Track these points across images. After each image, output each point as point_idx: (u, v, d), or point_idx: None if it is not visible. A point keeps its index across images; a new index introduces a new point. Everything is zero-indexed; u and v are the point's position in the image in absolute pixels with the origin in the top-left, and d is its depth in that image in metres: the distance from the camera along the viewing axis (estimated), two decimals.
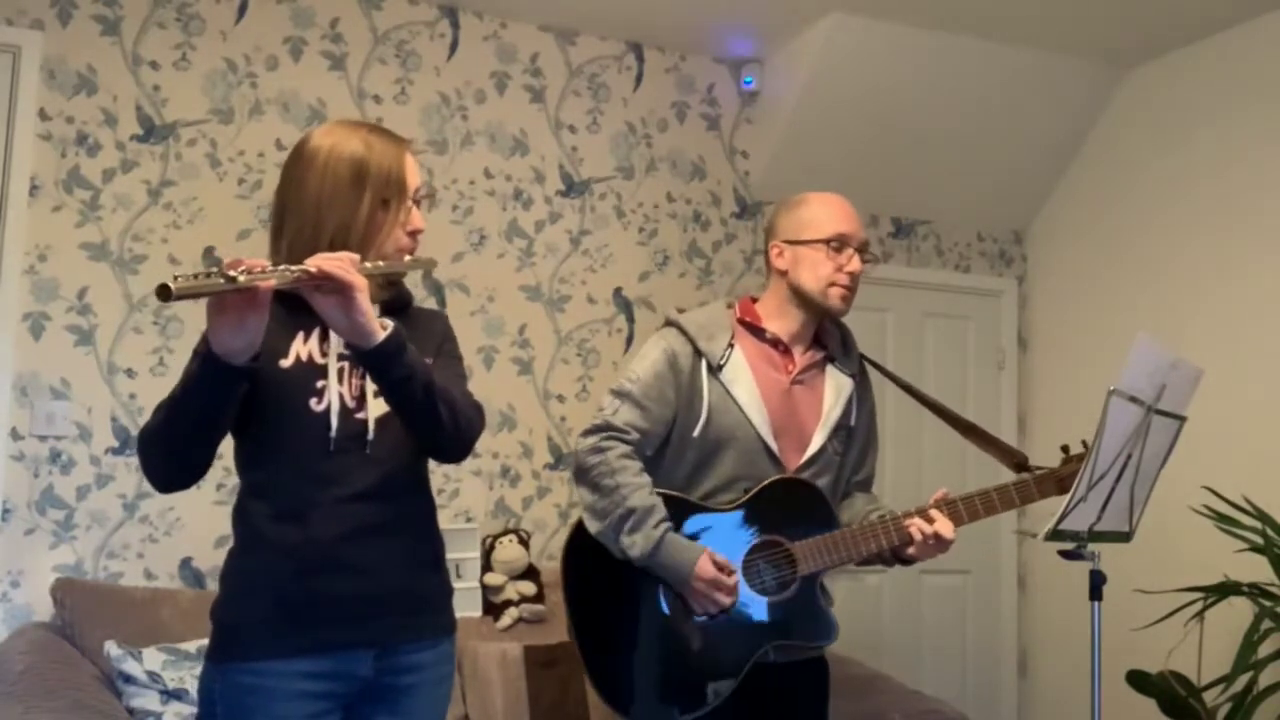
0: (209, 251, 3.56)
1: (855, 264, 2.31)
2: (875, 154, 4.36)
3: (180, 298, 1.42)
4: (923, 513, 2.22)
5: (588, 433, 2.26)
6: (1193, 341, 3.76)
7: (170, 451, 1.68)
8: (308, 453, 1.74)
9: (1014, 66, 4.21)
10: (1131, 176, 4.33)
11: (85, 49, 3.47)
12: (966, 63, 4.15)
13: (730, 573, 2.16)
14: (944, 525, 2.20)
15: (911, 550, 2.22)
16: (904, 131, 4.32)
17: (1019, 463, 2.37)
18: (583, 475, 2.24)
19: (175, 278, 1.42)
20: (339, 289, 1.59)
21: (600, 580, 2.24)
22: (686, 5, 3.94)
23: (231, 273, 1.48)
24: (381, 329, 1.63)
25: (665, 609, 2.20)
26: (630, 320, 4.14)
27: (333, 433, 1.74)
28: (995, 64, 4.18)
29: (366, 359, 1.66)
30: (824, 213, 2.33)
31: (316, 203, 1.76)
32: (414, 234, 1.84)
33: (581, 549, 2.26)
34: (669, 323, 2.36)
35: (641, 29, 4.15)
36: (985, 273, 4.78)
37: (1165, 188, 4.18)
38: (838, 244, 2.29)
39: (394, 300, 1.87)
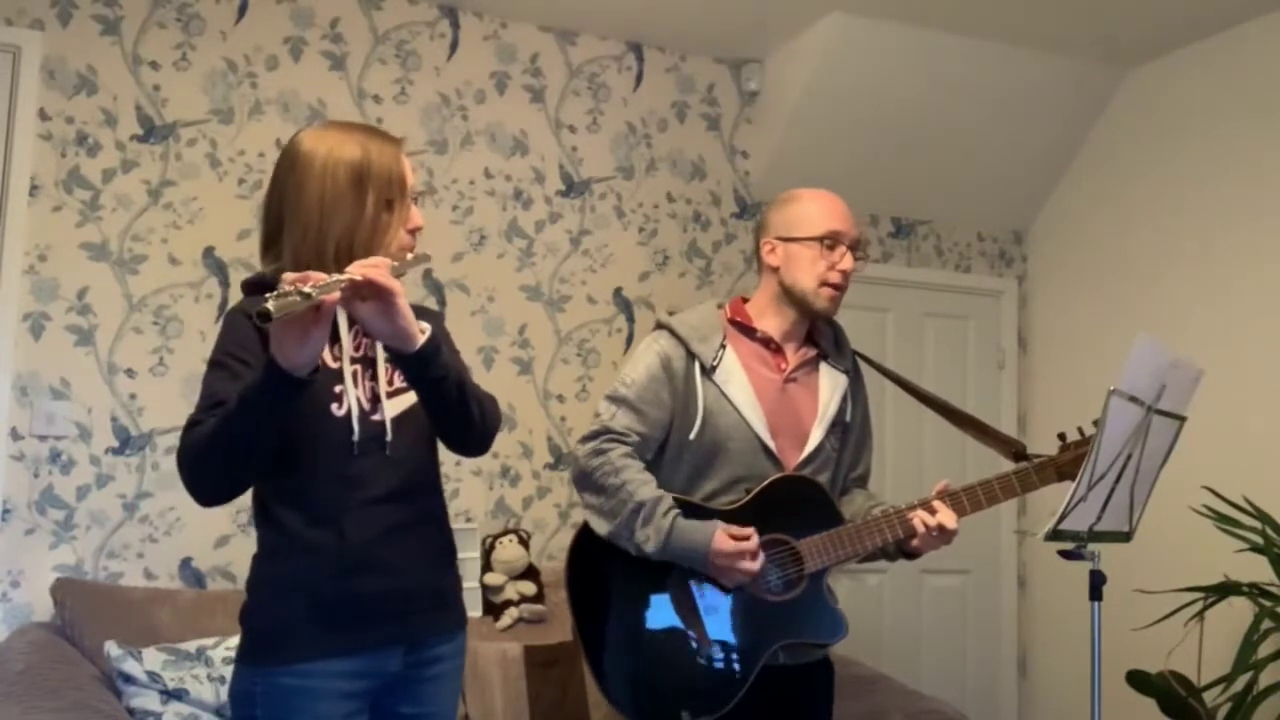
0: (209, 251, 3.56)
1: (848, 262, 2.30)
2: (875, 154, 4.36)
3: (279, 318, 1.47)
4: (925, 505, 2.22)
5: (586, 439, 2.25)
6: (1193, 341, 3.76)
7: (229, 466, 1.67)
8: (332, 457, 1.76)
9: (1014, 66, 4.21)
10: (1131, 176, 4.33)
11: (85, 49, 3.47)
12: (966, 63, 4.15)
13: (748, 538, 2.14)
14: (947, 516, 2.19)
15: (915, 542, 2.22)
16: (904, 131, 4.32)
17: (1017, 452, 2.38)
18: (585, 479, 2.23)
19: (266, 299, 1.47)
20: (380, 295, 1.61)
21: (606, 585, 2.23)
22: (686, 5, 3.94)
23: (305, 289, 1.50)
24: (420, 332, 1.67)
25: (675, 613, 2.19)
26: (630, 320, 4.14)
27: (355, 436, 1.76)
28: (995, 64, 4.18)
29: (407, 361, 1.69)
30: (817, 210, 2.31)
31: (319, 208, 1.75)
32: (414, 231, 1.86)
33: (586, 554, 2.25)
34: (660, 325, 2.36)
35: (641, 29, 4.15)
36: (985, 273, 4.78)
37: (1165, 188, 4.18)
38: (831, 241, 2.28)
39: None
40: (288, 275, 1.54)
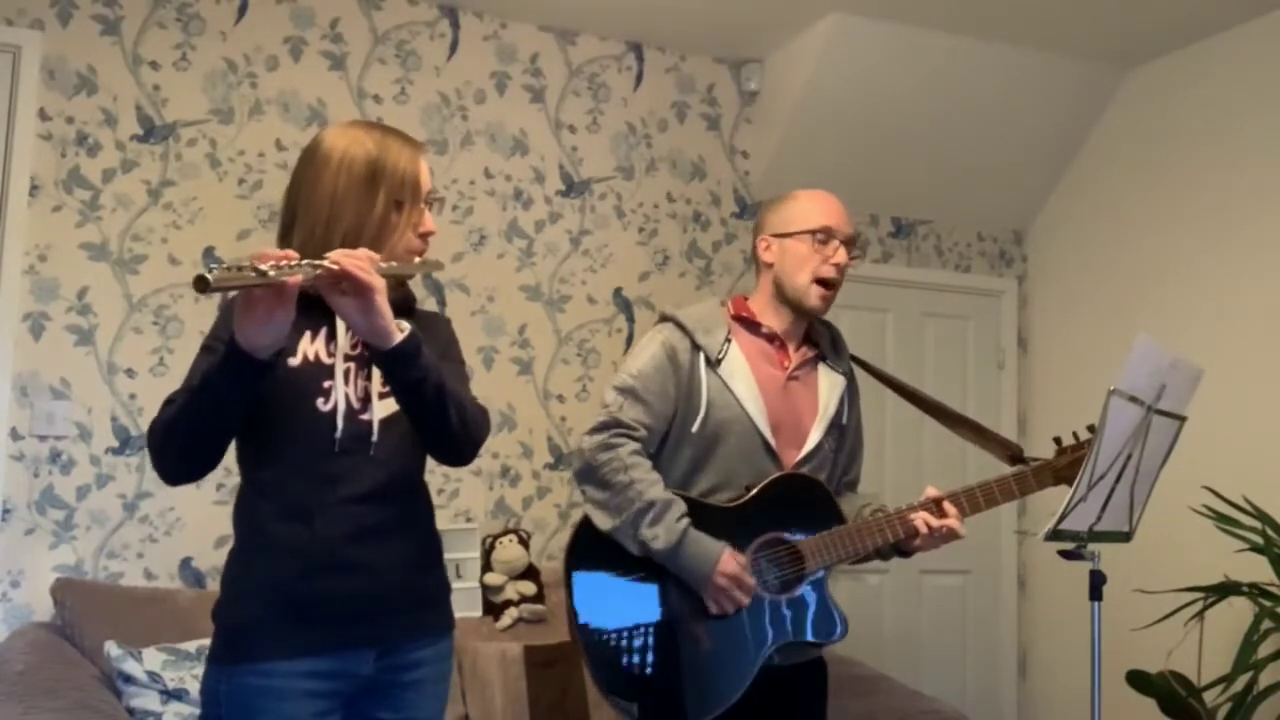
0: (209, 251, 3.56)
1: (841, 256, 2.30)
2: (875, 154, 4.36)
3: (217, 289, 1.44)
4: (926, 505, 2.22)
5: (594, 430, 2.24)
6: (1192, 341, 3.76)
7: (186, 444, 1.68)
8: (313, 452, 1.75)
9: (1014, 66, 4.21)
10: (1131, 176, 4.33)
11: (85, 49, 3.47)
12: (966, 63, 4.15)
13: (748, 569, 2.16)
14: (956, 522, 2.20)
15: (918, 542, 2.23)
16: (904, 131, 4.32)
17: (1014, 454, 2.39)
18: (591, 473, 2.22)
19: (210, 269, 1.45)
20: (358, 289, 1.60)
21: (605, 583, 2.22)
22: (686, 5, 3.94)
23: (261, 266, 1.49)
24: (399, 330, 1.64)
25: (673, 612, 2.19)
26: (630, 320, 4.14)
27: (338, 433, 1.75)
28: (995, 64, 4.18)
29: (383, 359, 1.67)
30: (811, 206, 2.33)
31: (330, 202, 1.77)
32: (425, 236, 1.85)
33: (584, 554, 2.24)
34: (665, 318, 2.36)
35: (641, 29, 4.15)
36: (985, 273, 4.78)
37: (1165, 188, 4.18)
38: (823, 236, 2.29)
39: (400, 302, 1.87)
40: (256, 253, 1.53)
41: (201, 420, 1.66)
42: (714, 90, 4.37)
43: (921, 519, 2.21)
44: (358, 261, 1.60)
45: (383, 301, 1.61)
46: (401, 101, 3.86)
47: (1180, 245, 4.10)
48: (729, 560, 2.13)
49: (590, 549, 2.23)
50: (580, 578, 2.24)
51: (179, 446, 1.69)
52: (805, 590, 2.22)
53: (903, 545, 2.25)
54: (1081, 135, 4.53)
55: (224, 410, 1.65)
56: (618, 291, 4.14)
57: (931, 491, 2.26)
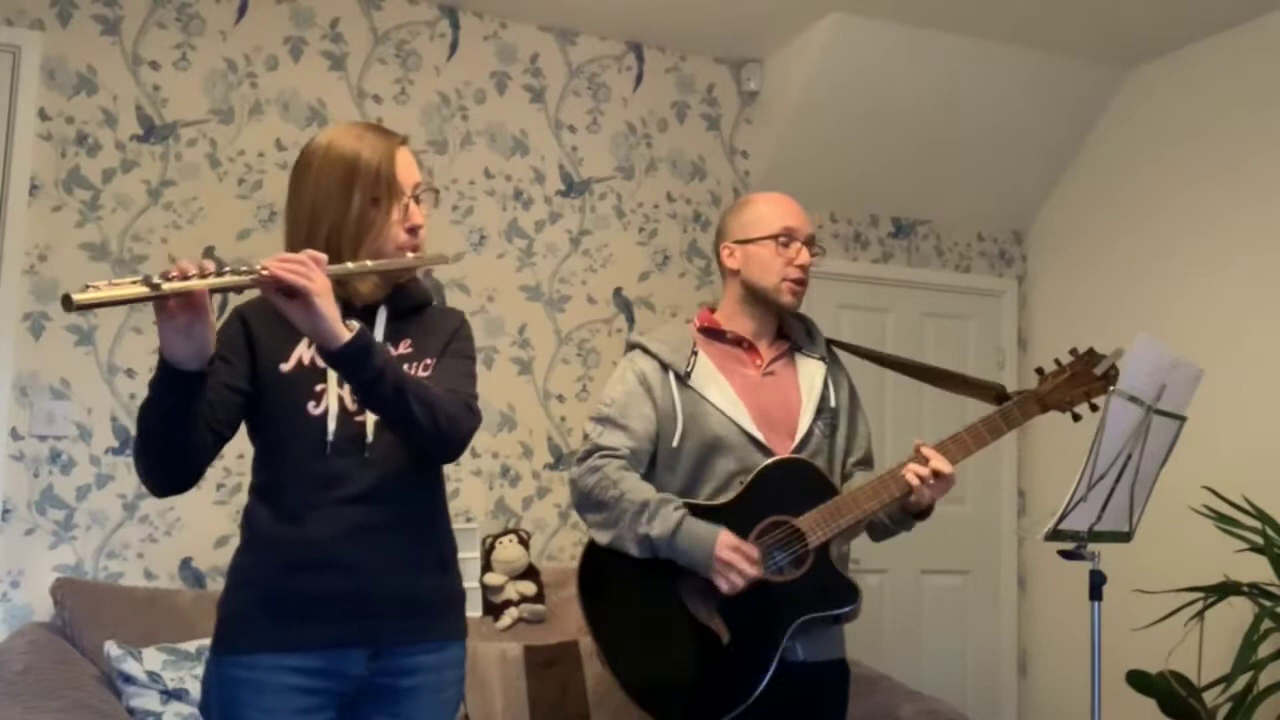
0: (209, 251, 3.56)
1: (804, 257, 2.36)
2: (875, 154, 4.36)
3: (80, 308, 1.42)
4: (914, 459, 2.23)
5: (578, 460, 2.31)
6: (1192, 341, 3.76)
7: (148, 456, 1.69)
8: (306, 455, 1.75)
9: (1014, 66, 4.21)
10: (1131, 177, 4.33)
11: (85, 49, 3.47)
12: (966, 63, 4.15)
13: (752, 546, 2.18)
14: (940, 461, 2.21)
15: (914, 498, 2.23)
16: (904, 131, 4.32)
17: (999, 394, 2.42)
18: (586, 498, 2.27)
19: (86, 287, 1.43)
20: (293, 293, 1.58)
21: (619, 591, 2.26)
22: (686, 5, 3.94)
23: (155, 279, 1.48)
24: (348, 330, 1.62)
25: (689, 607, 2.21)
26: (630, 320, 4.14)
27: (329, 436, 1.75)
28: (995, 64, 4.18)
29: (331, 361, 1.65)
30: (770, 210, 2.39)
31: (311, 205, 1.78)
32: (413, 230, 1.83)
33: (594, 572, 2.29)
34: (632, 345, 2.42)
35: (641, 29, 4.15)
36: (985, 273, 4.78)
37: (1165, 188, 4.18)
38: (785, 238, 2.35)
39: (404, 300, 1.87)
40: (182, 263, 1.54)
41: (154, 434, 1.66)
42: (714, 90, 4.37)
43: (910, 470, 2.21)
44: (290, 265, 1.58)
45: (324, 303, 1.59)
46: (401, 101, 3.86)
47: (1179, 245, 4.10)
48: (727, 535, 2.16)
49: (601, 560, 2.27)
50: (595, 591, 2.28)
51: (146, 460, 1.70)
52: (814, 565, 2.23)
53: (909, 506, 2.26)
54: (1081, 135, 4.53)
55: (170, 422, 1.64)
56: (618, 291, 4.14)
57: (919, 443, 2.28)
